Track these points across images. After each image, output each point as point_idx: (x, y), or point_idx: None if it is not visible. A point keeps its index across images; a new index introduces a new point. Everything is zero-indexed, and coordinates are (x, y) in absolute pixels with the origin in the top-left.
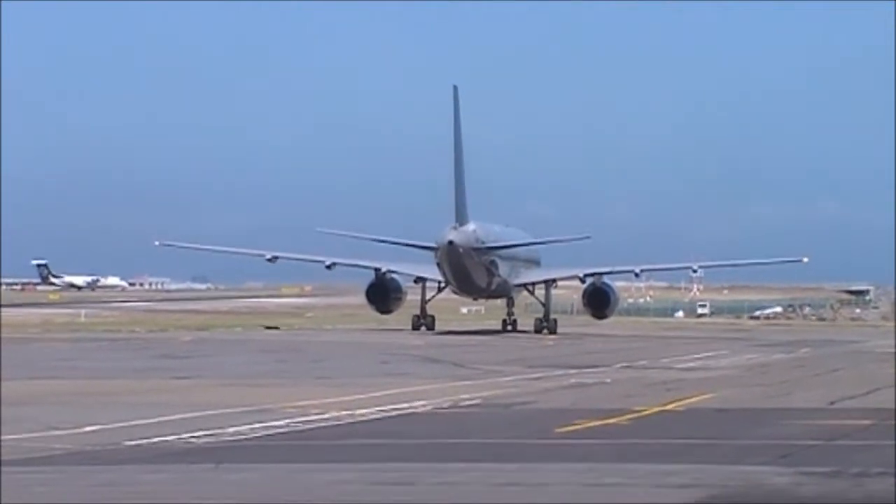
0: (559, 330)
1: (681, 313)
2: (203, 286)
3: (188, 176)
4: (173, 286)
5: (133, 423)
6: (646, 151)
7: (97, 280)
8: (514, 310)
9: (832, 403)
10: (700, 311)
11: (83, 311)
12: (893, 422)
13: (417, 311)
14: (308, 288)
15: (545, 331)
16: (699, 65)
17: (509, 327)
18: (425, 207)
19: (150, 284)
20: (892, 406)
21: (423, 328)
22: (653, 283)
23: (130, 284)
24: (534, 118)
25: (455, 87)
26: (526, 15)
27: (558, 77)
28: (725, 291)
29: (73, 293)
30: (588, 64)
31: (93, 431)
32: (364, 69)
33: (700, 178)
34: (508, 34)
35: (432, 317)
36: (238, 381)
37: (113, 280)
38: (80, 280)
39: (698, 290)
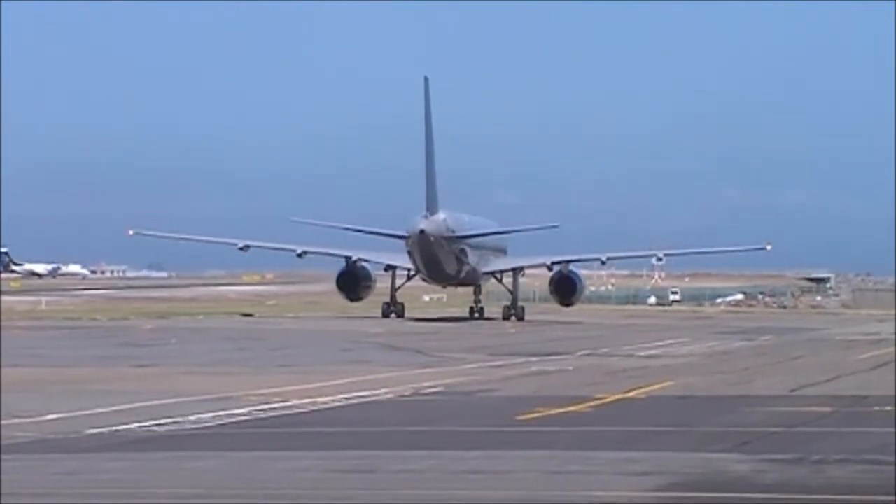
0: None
1: (653, 299)
2: (160, 274)
3: (147, 164)
4: (130, 274)
5: (95, 411)
6: (610, 139)
7: (58, 268)
8: (481, 297)
9: (793, 391)
10: (672, 297)
11: (44, 299)
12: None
13: (387, 299)
14: (270, 276)
15: (513, 318)
16: (665, 55)
17: (476, 315)
18: (396, 196)
19: (112, 272)
20: (853, 393)
21: (392, 315)
22: (614, 270)
23: (91, 272)
24: (500, 107)
25: (426, 79)
26: (493, 7)
27: (523, 66)
28: (687, 279)
29: (35, 281)
30: (554, 53)
31: (55, 419)
32: (337, 59)
33: (665, 166)
34: (476, 25)
35: (402, 304)
36: (200, 369)
37: (74, 268)
38: (41, 268)
39: (660, 277)
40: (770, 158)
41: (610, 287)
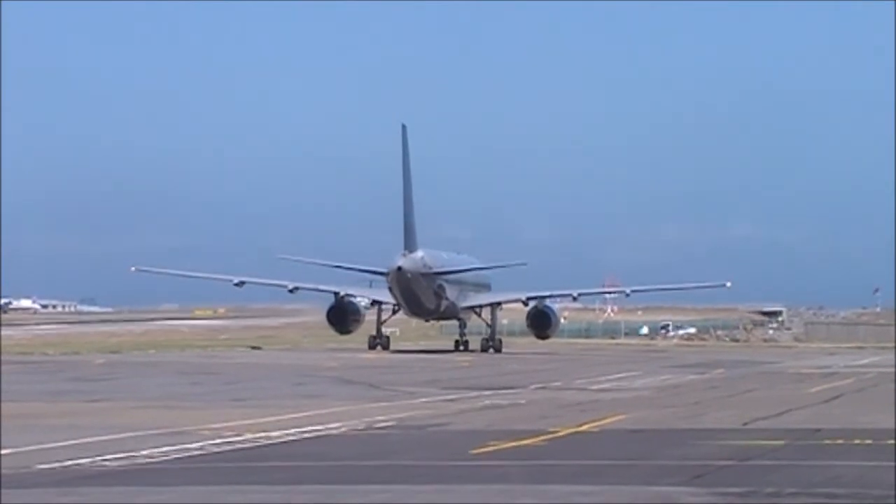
0: (504, 349)
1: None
2: (94, 308)
3: (108, 196)
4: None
5: (46, 446)
6: (556, 174)
7: (9, 303)
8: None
9: (745, 424)
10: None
11: None
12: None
13: (373, 332)
14: (222, 310)
15: (491, 350)
16: (607, 92)
17: (462, 347)
18: (381, 233)
19: (63, 307)
20: (805, 426)
21: (378, 347)
22: (567, 304)
23: (43, 307)
24: (450, 142)
25: (404, 126)
26: (442, 42)
27: (472, 101)
28: (640, 313)
29: None
30: (495, 85)
31: (4, 455)
32: (315, 97)
33: (612, 200)
34: (431, 60)
35: (387, 337)
36: (152, 403)
37: (25, 302)
38: None
39: (613, 311)
40: (717, 191)
41: (563, 320)
